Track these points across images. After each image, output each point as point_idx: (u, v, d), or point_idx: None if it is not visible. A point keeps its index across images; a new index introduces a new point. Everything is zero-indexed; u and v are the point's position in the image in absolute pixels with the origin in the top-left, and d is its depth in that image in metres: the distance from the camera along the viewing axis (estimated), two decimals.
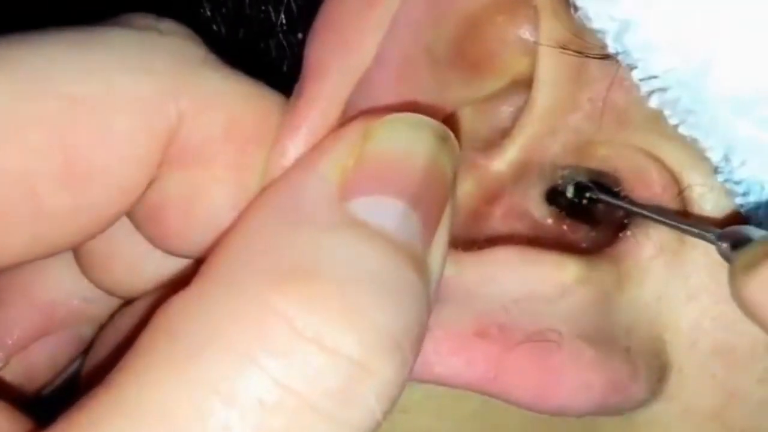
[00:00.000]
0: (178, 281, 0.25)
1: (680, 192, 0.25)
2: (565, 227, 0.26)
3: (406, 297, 0.21)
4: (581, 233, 0.26)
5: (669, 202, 0.25)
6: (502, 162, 0.25)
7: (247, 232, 0.22)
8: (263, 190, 0.23)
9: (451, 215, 0.23)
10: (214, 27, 0.29)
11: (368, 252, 0.21)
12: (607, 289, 0.25)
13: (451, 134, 0.23)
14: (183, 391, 0.19)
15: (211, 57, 0.23)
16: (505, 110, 0.26)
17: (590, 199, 0.26)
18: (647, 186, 0.25)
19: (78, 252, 0.26)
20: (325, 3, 0.24)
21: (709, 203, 0.25)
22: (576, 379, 0.24)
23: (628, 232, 0.25)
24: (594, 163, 0.26)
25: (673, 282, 0.25)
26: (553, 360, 0.24)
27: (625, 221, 0.26)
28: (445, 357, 0.24)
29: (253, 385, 0.19)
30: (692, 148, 0.24)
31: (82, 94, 0.21)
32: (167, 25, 0.24)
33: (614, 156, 0.25)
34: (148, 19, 0.24)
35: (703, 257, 0.25)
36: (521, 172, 0.25)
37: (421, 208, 0.22)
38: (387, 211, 0.21)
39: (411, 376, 0.21)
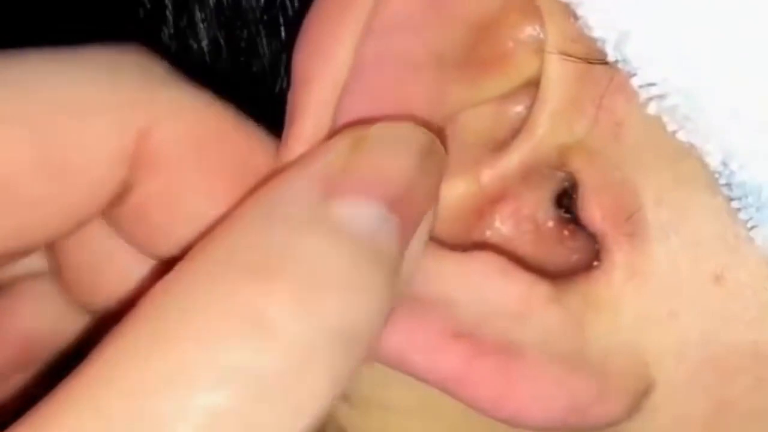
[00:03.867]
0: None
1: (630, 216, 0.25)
2: (566, 232, 0.26)
3: (363, 296, 0.21)
4: (581, 240, 0.26)
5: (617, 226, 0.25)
6: (508, 162, 0.25)
7: (229, 225, 0.22)
8: (252, 191, 0.24)
9: (432, 224, 0.23)
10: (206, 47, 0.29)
11: (334, 253, 0.21)
12: (578, 314, 0.25)
13: (438, 142, 0.24)
14: (144, 372, 0.19)
15: (172, 74, 0.25)
16: (519, 110, 0.26)
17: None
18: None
19: (60, 266, 0.27)
20: (309, 11, 0.25)
21: None
22: (535, 394, 0.24)
23: (594, 262, 0.25)
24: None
25: (652, 301, 0.25)
26: (517, 372, 0.24)
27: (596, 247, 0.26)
28: (424, 352, 0.24)
29: (205, 373, 0.19)
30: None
31: (59, 99, 0.23)
32: (130, 47, 0.25)
33: (587, 168, 0.25)
34: (110, 44, 0.25)
35: (687, 271, 0.25)
36: (526, 173, 0.25)
37: (400, 213, 0.22)
38: (364, 214, 0.22)
39: (392, 366, 0.23)
